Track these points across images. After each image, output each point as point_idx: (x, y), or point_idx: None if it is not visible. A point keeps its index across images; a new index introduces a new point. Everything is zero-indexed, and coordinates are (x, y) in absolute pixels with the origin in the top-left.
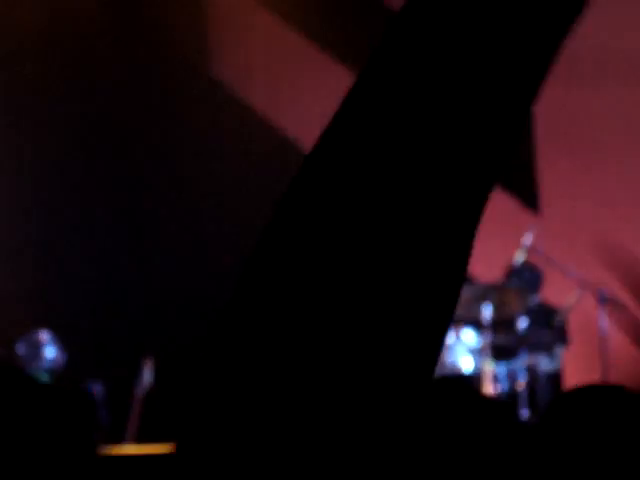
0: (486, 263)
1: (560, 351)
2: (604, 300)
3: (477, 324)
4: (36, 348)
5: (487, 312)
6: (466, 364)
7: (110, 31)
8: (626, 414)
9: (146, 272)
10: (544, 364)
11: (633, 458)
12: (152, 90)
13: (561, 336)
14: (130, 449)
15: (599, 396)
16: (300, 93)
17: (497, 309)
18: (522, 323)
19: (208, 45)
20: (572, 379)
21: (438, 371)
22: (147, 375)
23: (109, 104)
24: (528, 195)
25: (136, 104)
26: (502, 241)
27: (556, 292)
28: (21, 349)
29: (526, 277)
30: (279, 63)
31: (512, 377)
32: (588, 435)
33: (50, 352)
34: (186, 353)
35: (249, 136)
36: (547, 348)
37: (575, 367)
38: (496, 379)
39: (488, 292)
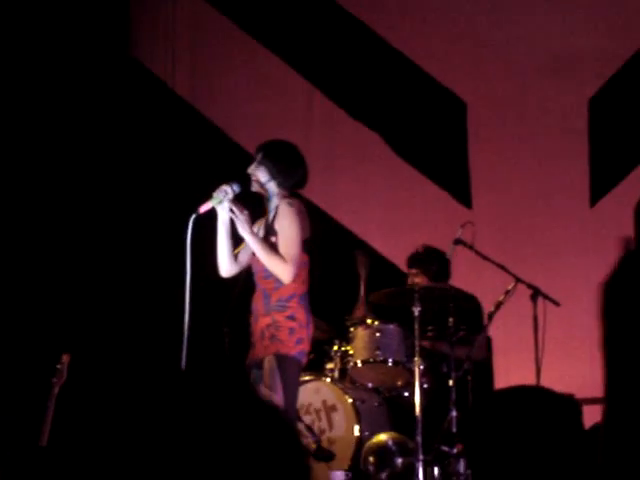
0: None
1: (487, 343)
2: (536, 295)
3: (405, 321)
4: None
5: (416, 310)
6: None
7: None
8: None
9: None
10: (472, 357)
11: (550, 460)
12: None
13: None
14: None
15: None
16: (224, 78)
17: (424, 305)
18: (450, 319)
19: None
20: (504, 375)
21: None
22: (63, 371)
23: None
24: (460, 189)
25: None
26: (436, 236)
27: (487, 287)
28: None
29: (435, 265)
30: (203, 47)
31: (441, 373)
32: (508, 436)
33: None
34: (101, 350)
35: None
36: (475, 343)
37: (507, 363)
38: (425, 376)
39: (417, 290)
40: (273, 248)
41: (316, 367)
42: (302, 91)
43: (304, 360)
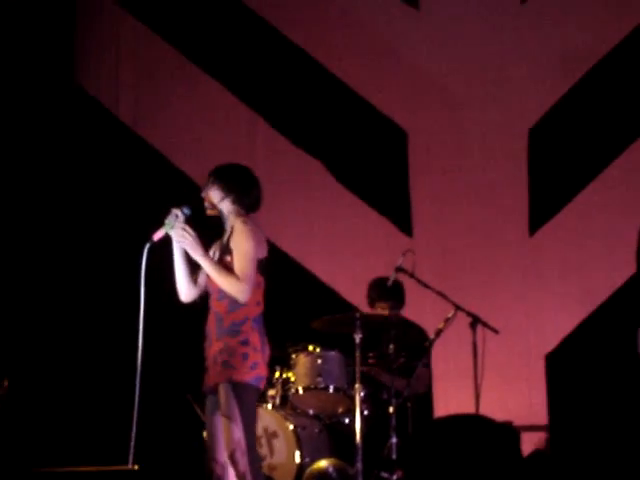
0: (359, 285)
1: (428, 375)
2: (476, 323)
3: (350, 349)
4: None
5: (357, 337)
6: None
7: None
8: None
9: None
10: (413, 387)
11: None
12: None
13: (428, 360)
14: None
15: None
16: (168, 105)
17: (365, 332)
18: (391, 346)
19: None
20: (444, 402)
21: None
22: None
23: None
24: (401, 218)
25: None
26: (377, 264)
27: (427, 314)
28: None
29: (392, 294)
30: (146, 75)
31: (381, 401)
32: (448, 463)
33: None
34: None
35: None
36: (415, 372)
37: (447, 389)
38: (366, 402)
39: (358, 317)
40: (227, 268)
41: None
42: (245, 119)
43: (261, 385)
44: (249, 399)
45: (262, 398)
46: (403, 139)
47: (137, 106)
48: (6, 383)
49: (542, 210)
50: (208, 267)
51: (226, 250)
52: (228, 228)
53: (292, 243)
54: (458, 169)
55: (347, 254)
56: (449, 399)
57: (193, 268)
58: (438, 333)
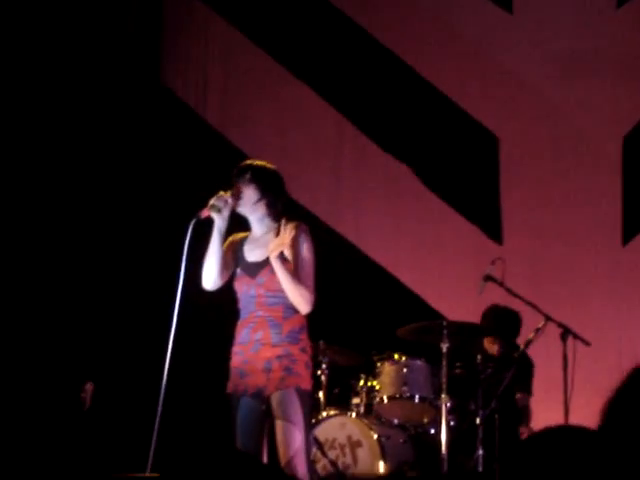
0: (447, 293)
1: (521, 393)
2: (567, 334)
3: (436, 358)
4: None
5: (444, 346)
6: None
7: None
8: (589, 457)
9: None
10: (502, 400)
11: None
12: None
13: (525, 381)
14: None
15: (563, 439)
16: (255, 108)
17: (456, 344)
18: (479, 356)
19: (161, 56)
20: (532, 415)
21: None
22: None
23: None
24: (491, 225)
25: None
26: (465, 271)
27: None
28: None
29: (505, 321)
30: (234, 77)
31: (468, 413)
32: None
33: None
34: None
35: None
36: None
37: (535, 402)
38: (452, 414)
39: (448, 327)
40: (296, 276)
41: (342, 402)
42: (333, 122)
43: None
44: (310, 408)
45: (346, 406)
46: (494, 145)
47: (224, 108)
48: (91, 386)
49: (636, 219)
50: (283, 273)
51: (283, 256)
52: (266, 231)
53: (379, 250)
54: (550, 176)
55: (435, 261)
56: (538, 412)
57: (230, 260)
58: (528, 344)
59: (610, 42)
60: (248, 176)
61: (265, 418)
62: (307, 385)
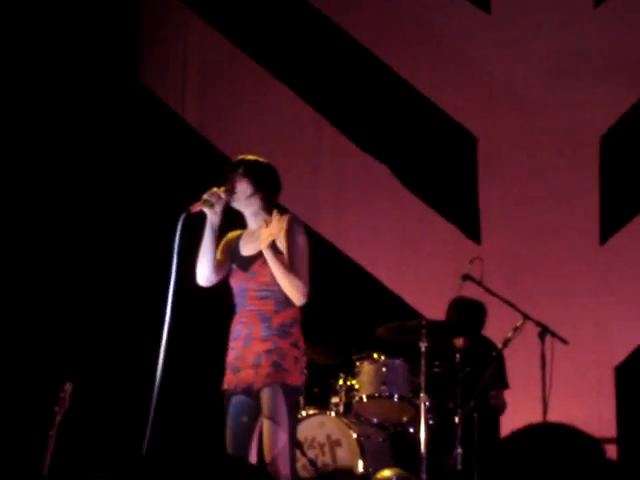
0: (425, 292)
1: (496, 390)
2: (545, 333)
3: (414, 357)
4: None
5: (423, 345)
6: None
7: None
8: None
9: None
10: (480, 399)
11: None
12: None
13: (499, 376)
14: None
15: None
16: (234, 107)
17: (434, 343)
18: (459, 357)
19: (140, 55)
20: (511, 413)
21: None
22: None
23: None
24: (469, 224)
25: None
26: (444, 270)
27: (495, 323)
28: None
29: (470, 313)
30: (213, 76)
31: (447, 411)
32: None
33: None
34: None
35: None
36: (483, 383)
37: (514, 400)
38: (431, 412)
39: (427, 326)
40: (290, 267)
41: (321, 401)
42: (312, 122)
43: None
44: (297, 404)
45: (325, 405)
46: (473, 145)
47: (203, 108)
48: (70, 387)
49: (613, 218)
50: (275, 263)
51: (275, 248)
52: (258, 225)
53: (358, 249)
54: (528, 176)
55: (413, 261)
56: (516, 410)
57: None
58: (506, 343)
59: (588, 42)
60: (241, 170)
61: (256, 415)
62: (295, 381)
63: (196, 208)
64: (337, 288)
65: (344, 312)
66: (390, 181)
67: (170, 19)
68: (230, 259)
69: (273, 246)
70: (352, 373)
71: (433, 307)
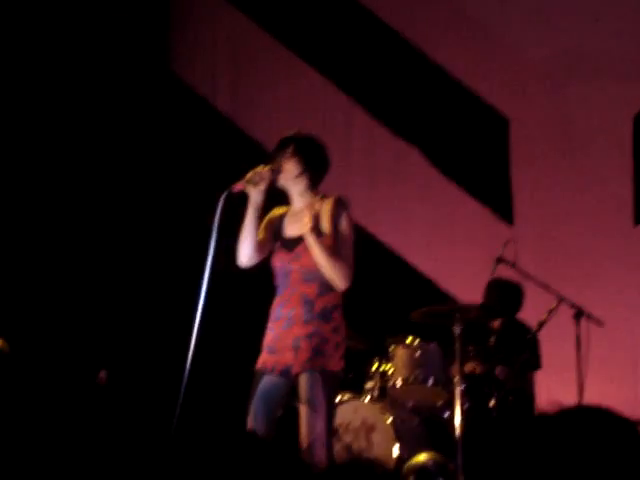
0: (459, 275)
1: (531, 371)
2: (580, 315)
3: (448, 340)
4: None
5: (457, 329)
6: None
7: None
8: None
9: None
10: (515, 381)
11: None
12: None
13: (533, 358)
14: None
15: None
16: (265, 93)
17: (468, 326)
18: (493, 340)
19: (170, 43)
20: (546, 396)
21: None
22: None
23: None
24: (502, 206)
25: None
26: (477, 254)
27: (530, 306)
28: None
29: (507, 295)
30: (243, 63)
31: (482, 394)
32: (568, 459)
33: None
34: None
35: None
36: (518, 366)
37: (549, 382)
38: (465, 396)
39: (461, 310)
40: (333, 251)
41: (355, 386)
42: (342, 106)
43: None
44: (335, 390)
45: (360, 391)
46: (505, 126)
47: (233, 95)
48: (105, 374)
49: None
50: (317, 249)
51: (318, 231)
52: (303, 205)
53: (390, 233)
54: (560, 157)
55: (446, 244)
56: (551, 393)
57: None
58: (541, 325)
59: (621, 22)
60: (291, 149)
61: (286, 398)
62: (335, 367)
63: (238, 187)
64: (370, 273)
65: (377, 297)
66: (422, 165)
67: (199, 6)
68: (273, 238)
69: (316, 229)
70: (386, 358)
71: (467, 290)
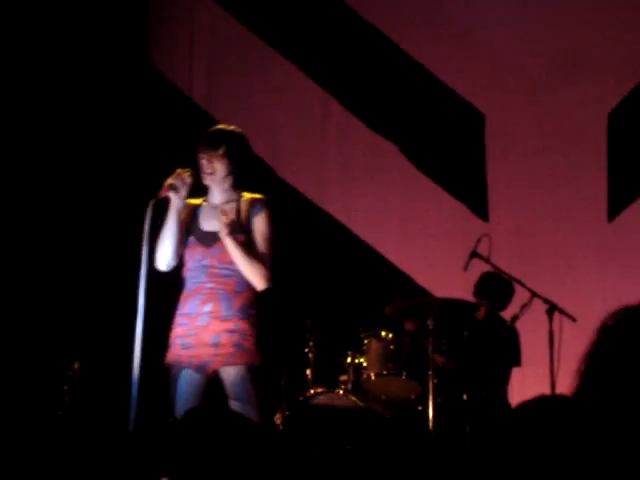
0: (433, 270)
1: (511, 367)
2: (552, 310)
3: (422, 335)
4: None
5: (430, 322)
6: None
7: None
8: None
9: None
10: (490, 376)
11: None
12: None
13: (514, 354)
14: None
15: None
16: (241, 86)
17: (441, 321)
18: (466, 334)
19: (148, 36)
20: (519, 390)
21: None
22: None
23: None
24: (477, 202)
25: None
26: (452, 248)
27: None
28: None
29: (499, 290)
30: (220, 56)
31: (455, 389)
32: (542, 449)
33: None
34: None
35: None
36: (493, 360)
37: (522, 377)
38: (438, 390)
39: (435, 304)
40: (251, 251)
41: (329, 379)
42: (319, 100)
43: None
44: (261, 384)
45: (334, 383)
46: (481, 122)
47: (211, 87)
48: (77, 366)
49: (621, 195)
50: (234, 248)
51: (238, 228)
52: (224, 200)
53: (365, 227)
54: (536, 153)
55: (421, 238)
56: (524, 388)
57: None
58: (514, 320)
59: (596, 19)
60: (222, 151)
61: (205, 391)
62: (258, 362)
63: (163, 193)
64: (345, 266)
65: (353, 291)
66: (398, 159)
67: None
68: (185, 230)
69: (236, 226)
70: (360, 351)
71: (441, 285)
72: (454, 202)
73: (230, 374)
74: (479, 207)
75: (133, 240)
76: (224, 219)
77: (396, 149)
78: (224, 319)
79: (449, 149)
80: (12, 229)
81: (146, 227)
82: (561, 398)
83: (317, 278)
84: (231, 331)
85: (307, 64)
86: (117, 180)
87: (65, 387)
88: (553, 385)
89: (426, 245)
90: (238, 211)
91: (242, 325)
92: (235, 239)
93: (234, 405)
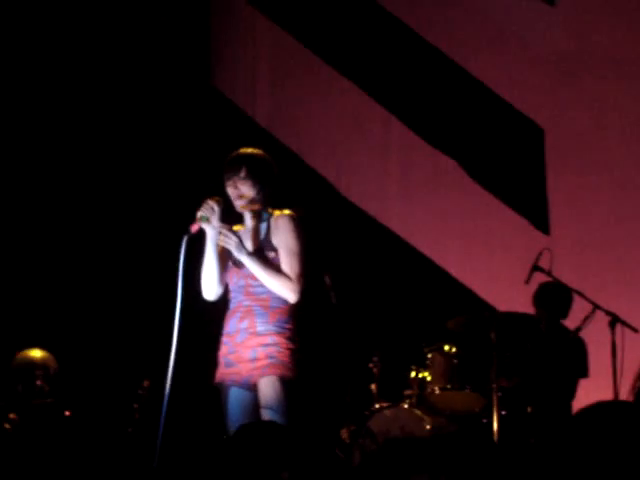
0: (495, 284)
1: (579, 378)
2: (615, 322)
3: (487, 347)
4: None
5: (493, 336)
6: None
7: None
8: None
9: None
10: (555, 388)
11: None
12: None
13: (581, 366)
14: None
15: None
16: (303, 106)
17: (504, 334)
18: (531, 346)
19: (211, 58)
20: (582, 402)
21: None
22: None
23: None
24: (538, 216)
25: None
26: (512, 262)
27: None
28: None
29: (558, 297)
30: (283, 77)
31: (520, 400)
32: (604, 452)
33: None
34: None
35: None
36: (559, 371)
37: (585, 389)
38: (503, 402)
39: (498, 318)
40: (274, 267)
41: (394, 394)
42: (380, 119)
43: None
44: (294, 396)
45: (399, 398)
46: (540, 137)
47: (273, 108)
48: (147, 384)
49: None
50: (255, 267)
51: (267, 246)
52: (260, 222)
53: (427, 242)
54: (595, 166)
55: (483, 253)
56: (588, 399)
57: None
58: (577, 331)
59: None
60: (243, 174)
61: (254, 407)
62: (292, 374)
63: (195, 227)
64: (408, 282)
65: (415, 305)
66: (458, 175)
67: (240, 21)
68: (227, 256)
69: (269, 245)
70: (424, 365)
71: (504, 299)
72: (515, 216)
73: (262, 383)
74: (540, 221)
75: (193, 267)
76: (222, 241)
77: (456, 165)
78: (260, 334)
79: (510, 164)
80: (81, 256)
81: (180, 264)
82: (621, 403)
83: (381, 294)
84: (266, 345)
85: (369, 84)
86: (182, 201)
87: (135, 405)
88: (616, 396)
89: (488, 259)
90: (268, 229)
91: (278, 339)
92: (259, 257)
93: (264, 413)
